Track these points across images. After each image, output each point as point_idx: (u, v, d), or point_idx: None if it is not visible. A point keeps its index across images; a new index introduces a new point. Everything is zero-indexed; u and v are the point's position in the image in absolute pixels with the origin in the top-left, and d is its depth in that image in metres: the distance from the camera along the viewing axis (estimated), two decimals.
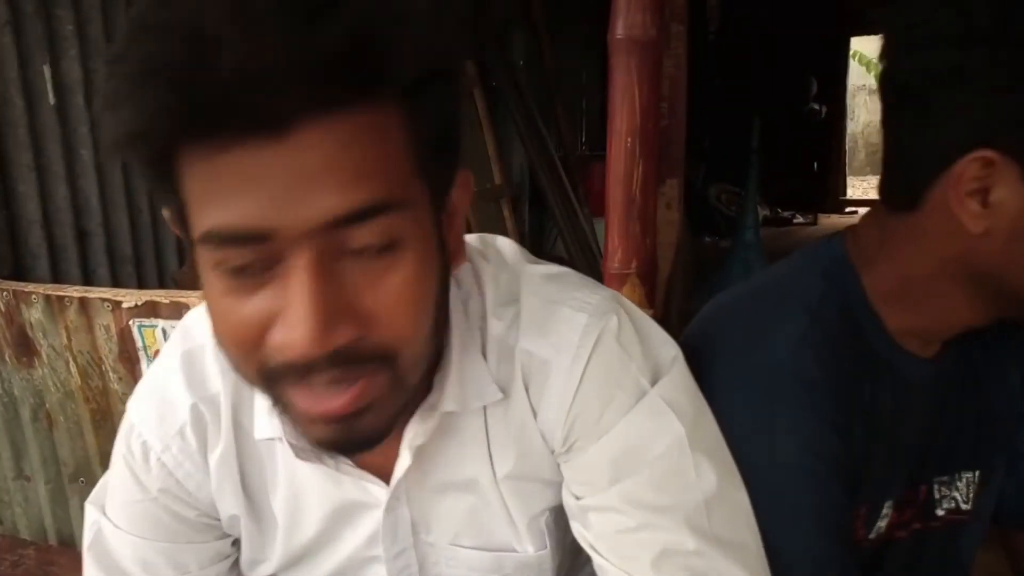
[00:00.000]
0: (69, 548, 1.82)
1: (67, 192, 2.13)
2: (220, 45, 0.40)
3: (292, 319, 0.46)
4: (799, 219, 6.69)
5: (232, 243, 0.45)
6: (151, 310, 1.60)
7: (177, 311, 1.56)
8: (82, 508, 1.96)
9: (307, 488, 0.66)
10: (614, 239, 1.23)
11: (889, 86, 0.72)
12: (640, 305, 1.13)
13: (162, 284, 2.43)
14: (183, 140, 0.44)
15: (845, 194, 7.94)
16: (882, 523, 0.81)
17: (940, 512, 0.85)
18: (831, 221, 6.90)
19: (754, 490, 0.67)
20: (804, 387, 0.71)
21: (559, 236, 3.96)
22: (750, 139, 4.38)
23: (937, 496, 0.85)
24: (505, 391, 0.63)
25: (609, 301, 0.64)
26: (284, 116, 0.42)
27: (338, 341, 0.46)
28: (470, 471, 0.65)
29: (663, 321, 0.72)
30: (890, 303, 0.76)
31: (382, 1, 0.44)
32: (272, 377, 0.49)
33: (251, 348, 0.49)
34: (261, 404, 0.62)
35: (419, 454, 0.62)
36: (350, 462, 0.63)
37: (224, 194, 0.44)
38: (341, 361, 0.47)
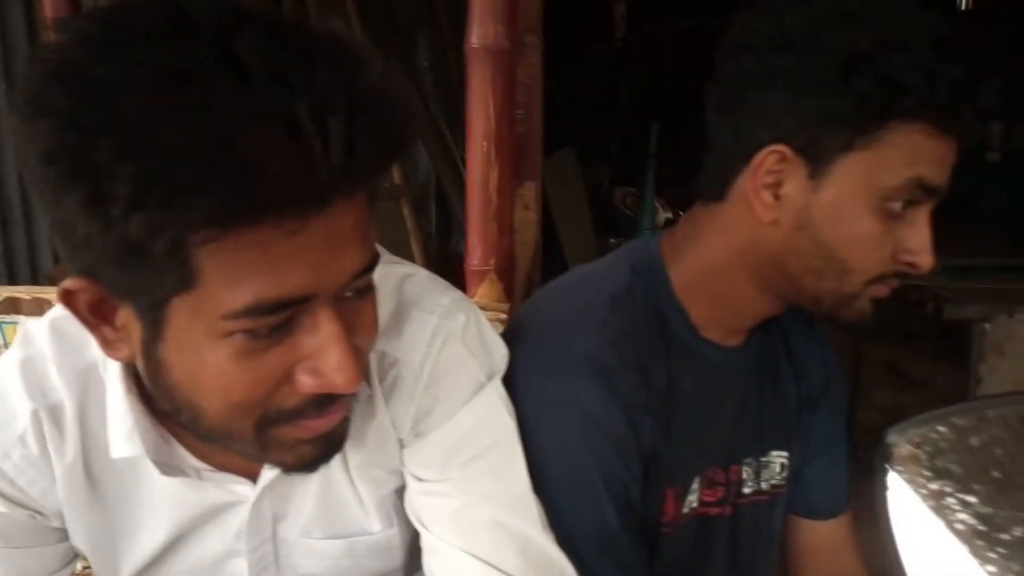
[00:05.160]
0: None
1: None
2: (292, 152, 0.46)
3: (331, 363, 0.54)
4: None
5: (276, 310, 0.51)
6: (12, 306, 1.54)
7: (39, 307, 1.51)
8: None
9: (166, 498, 0.69)
10: (473, 238, 1.28)
11: (715, 87, 0.79)
12: (498, 300, 1.20)
13: (35, 282, 2.34)
14: (227, 224, 0.47)
15: None
16: (692, 498, 0.86)
17: (747, 491, 0.91)
18: None
19: (546, 471, 0.73)
20: (597, 373, 0.76)
21: (463, 235, 4.00)
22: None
23: (746, 476, 0.91)
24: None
25: (458, 303, 0.71)
26: (328, 197, 0.49)
27: (362, 372, 0.57)
28: None
29: None
30: (693, 294, 0.82)
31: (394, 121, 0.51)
32: (276, 420, 0.56)
33: (261, 398, 0.55)
34: (117, 425, 0.63)
35: None
36: (213, 468, 0.67)
37: (270, 266, 0.49)
38: None
